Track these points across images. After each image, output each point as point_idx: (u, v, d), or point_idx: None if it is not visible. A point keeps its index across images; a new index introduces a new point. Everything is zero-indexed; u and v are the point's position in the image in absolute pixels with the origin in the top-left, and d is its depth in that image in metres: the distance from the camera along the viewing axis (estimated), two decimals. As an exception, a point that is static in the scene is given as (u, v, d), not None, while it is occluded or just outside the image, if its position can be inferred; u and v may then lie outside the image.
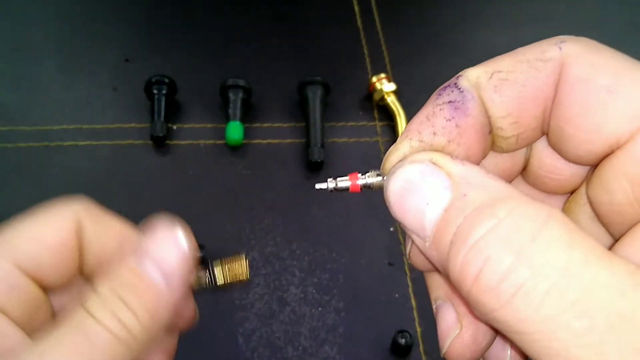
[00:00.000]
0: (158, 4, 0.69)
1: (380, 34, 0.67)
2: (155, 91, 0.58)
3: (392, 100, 0.59)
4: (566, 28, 0.67)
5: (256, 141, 0.59)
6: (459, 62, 0.66)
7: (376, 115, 0.61)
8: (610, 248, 0.21)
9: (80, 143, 0.57)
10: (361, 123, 0.60)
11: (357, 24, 0.68)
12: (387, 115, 0.60)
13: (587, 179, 0.24)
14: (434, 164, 0.21)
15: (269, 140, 0.59)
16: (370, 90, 0.60)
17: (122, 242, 0.27)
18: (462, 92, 0.23)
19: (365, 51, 0.66)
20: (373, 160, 0.58)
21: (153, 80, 0.58)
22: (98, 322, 0.22)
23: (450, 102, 0.23)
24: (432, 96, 0.24)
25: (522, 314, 0.17)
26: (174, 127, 0.59)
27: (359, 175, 0.25)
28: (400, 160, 0.23)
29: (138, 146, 0.58)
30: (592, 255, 0.17)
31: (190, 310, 0.28)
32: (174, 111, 0.59)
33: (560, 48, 0.23)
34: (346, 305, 0.50)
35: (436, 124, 0.23)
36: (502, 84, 0.23)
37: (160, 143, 0.57)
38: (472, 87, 0.23)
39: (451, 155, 0.22)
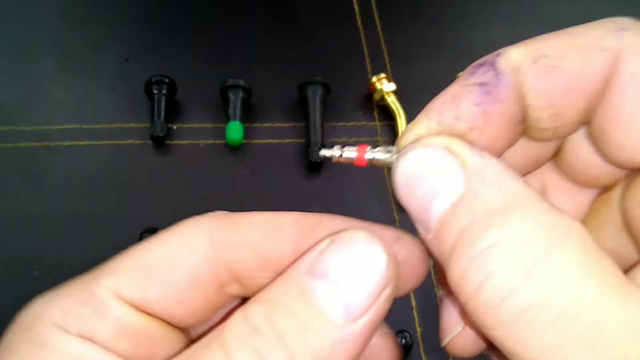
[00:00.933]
0: (158, 4, 0.69)
1: (380, 34, 0.67)
2: (155, 91, 0.58)
3: (392, 100, 0.59)
4: (566, 27, 0.67)
5: (256, 141, 0.59)
6: (459, 62, 0.66)
7: (376, 115, 0.61)
8: (636, 265, 0.19)
9: (80, 143, 0.57)
10: (361, 123, 0.60)
11: (357, 24, 0.68)
12: (388, 115, 0.60)
13: (626, 184, 0.21)
14: (450, 151, 0.19)
15: (269, 140, 0.59)
16: (370, 90, 0.60)
17: (286, 256, 0.21)
18: (498, 74, 0.20)
19: (365, 51, 0.66)
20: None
21: (153, 80, 0.58)
22: None
23: (482, 84, 0.20)
24: (464, 72, 0.21)
25: (522, 339, 0.16)
26: (174, 127, 0.59)
27: (368, 148, 0.22)
28: (413, 142, 0.20)
29: (138, 146, 0.58)
30: (608, 284, 0.16)
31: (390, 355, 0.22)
32: (174, 111, 0.59)
33: (620, 37, 0.20)
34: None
35: (461, 107, 0.20)
36: (548, 72, 0.20)
37: (160, 143, 0.57)
38: (512, 70, 0.20)
39: (471, 143, 0.19)
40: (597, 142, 0.21)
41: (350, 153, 0.23)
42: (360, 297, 0.18)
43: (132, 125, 0.59)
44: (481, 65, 0.21)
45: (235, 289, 0.22)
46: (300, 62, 0.65)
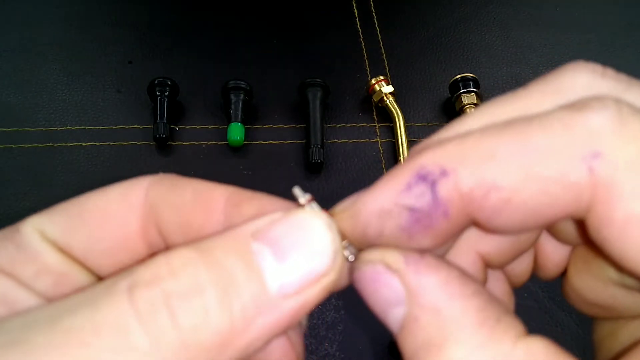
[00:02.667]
0: (161, 7, 0.70)
1: (379, 36, 0.68)
2: (157, 93, 0.58)
3: (390, 102, 0.60)
4: (563, 32, 0.68)
5: (257, 142, 0.59)
6: (455, 65, 0.67)
7: (375, 117, 0.62)
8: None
9: (84, 144, 0.58)
10: (361, 124, 0.61)
11: (356, 27, 0.69)
12: (387, 116, 0.61)
13: None
14: (387, 266, 0.18)
15: (270, 141, 0.59)
16: (369, 92, 0.61)
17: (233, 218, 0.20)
18: (436, 201, 0.17)
19: (365, 54, 0.67)
20: (373, 161, 0.59)
21: (156, 82, 0.58)
22: (139, 318, 0.15)
23: (412, 209, 0.18)
24: (404, 172, 0.18)
25: None
26: (176, 128, 0.60)
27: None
28: (347, 248, 0.19)
29: (141, 147, 0.58)
30: None
31: (294, 352, 0.21)
32: (176, 112, 0.60)
33: (591, 169, 0.16)
34: (346, 303, 0.50)
35: (386, 227, 0.18)
36: (503, 208, 0.17)
37: (162, 144, 0.58)
38: (456, 199, 0.17)
39: (407, 251, 0.18)
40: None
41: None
42: (299, 275, 0.17)
43: (135, 126, 0.60)
44: (420, 180, 0.18)
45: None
46: (301, 64, 0.65)
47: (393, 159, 0.59)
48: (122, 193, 0.21)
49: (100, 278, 0.21)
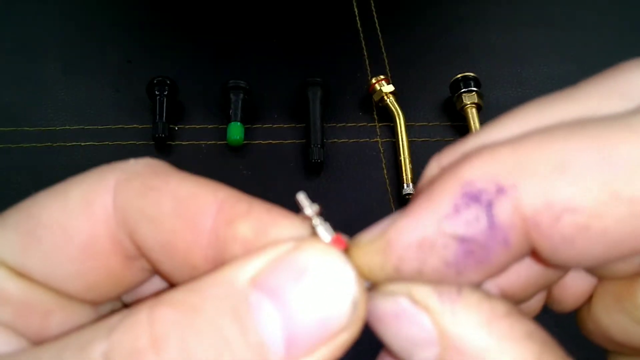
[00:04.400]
0: (160, 6, 0.70)
1: (379, 36, 0.68)
2: (156, 92, 0.58)
3: (391, 101, 0.60)
4: (564, 31, 0.68)
5: (257, 141, 0.59)
6: (456, 64, 0.67)
7: (376, 116, 0.61)
8: None
9: (83, 143, 0.58)
10: (361, 124, 0.61)
11: (356, 26, 0.69)
12: (387, 116, 0.61)
13: None
14: (414, 302, 0.15)
15: (270, 141, 0.59)
16: (370, 91, 0.61)
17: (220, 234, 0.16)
18: (493, 227, 0.14)
19: (365, 53, 0.66)
20: (373, 160, 0.58)
21: (155, 81, 0.58)
22: None
23: (464, 239, 0.14)
24: (447, 192, 0.14)
25: None
26: (176, 128, 0.59)
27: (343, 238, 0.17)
28: (368, 281, 0.16)
29: (140, 146, 0.58)
30: None
31: None
32: (176, 112, 0.60)
33: None
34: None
35: (427, 263, 0.14)
36: (579, 236, 0.13)
37: (161, 143, 0.58)
38: (517, 223, 0.14)
39: (441, 286, 0.15)
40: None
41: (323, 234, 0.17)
42: (310, 332, 0.14)
43: (134, 126, 0.59)
44: (471, 201, 0.14)
45: (147, 264, 0.18)
46: (301, 63, 0.65)
47: (393, 158, 0.58)
48: (83, 198, 0.17)
49: (72, 298, 0.18)
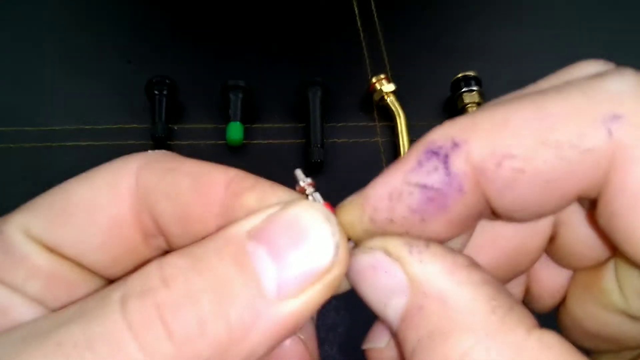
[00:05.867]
0: (159, 6, 0.69)
1: (379, 35, 0.68)
2: (156, 92, 0.58)
3: (391, 101, 0.60)
4: (566, 31, 0.67)
5: (256, 141, 0.59)
6: (457, 63, 0.67)
7: (376, 116, 0.61)
8: None
9: (82, 143, 0.58)
10: (361, 123, 0.61)
11: (357, 25, 0.68)
12: (387, 115, 0.61)
13: (618, 262, 0.19)
14: (389, 254, 0.17)
15: (269, 141, 0.59)
16: (370, 90, 0.61)
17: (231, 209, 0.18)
18: (449, 176, 0.16)
19: (365, 52, 0.66)
20: (373, 160, 0.58)
21: (154, 80, 0.58)
22: (128, 328, 0.15)
23: (425, 186, 0.16)
24: (413, 151, 0.17)
25: None
26: (175, 128, 0.59)
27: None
28: (349, 239, 0.18)
29: (139, 146, 0.58)
30: None
31: (309, 353, 0.19)
32: (175, 112, 0.60)
33: (611, 132, 0.15)
34: (346, 304, 0.50)
35: (396, 210, 0.17)
36: (516, 178, 0.16)
37: (161, 143, 0.58)
38: (470, 171, 0.16)
39: (412, 239, 0.17)
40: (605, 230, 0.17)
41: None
42: (298, 274, 0.16)
43: (134, 125, 0.59)
44: (432, 155, 0.17)
45: (164, 243, 0.20)
46: (301, 62, 0.65)
47: (394, 158, 0.58)
48: (109, 181, 0.19)
49: (95, 274, 0.20)
